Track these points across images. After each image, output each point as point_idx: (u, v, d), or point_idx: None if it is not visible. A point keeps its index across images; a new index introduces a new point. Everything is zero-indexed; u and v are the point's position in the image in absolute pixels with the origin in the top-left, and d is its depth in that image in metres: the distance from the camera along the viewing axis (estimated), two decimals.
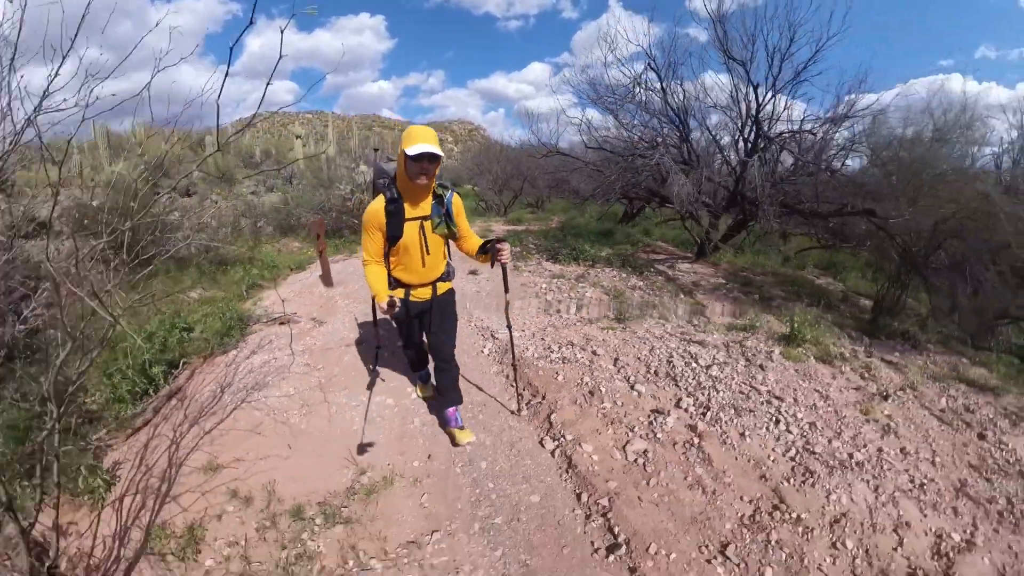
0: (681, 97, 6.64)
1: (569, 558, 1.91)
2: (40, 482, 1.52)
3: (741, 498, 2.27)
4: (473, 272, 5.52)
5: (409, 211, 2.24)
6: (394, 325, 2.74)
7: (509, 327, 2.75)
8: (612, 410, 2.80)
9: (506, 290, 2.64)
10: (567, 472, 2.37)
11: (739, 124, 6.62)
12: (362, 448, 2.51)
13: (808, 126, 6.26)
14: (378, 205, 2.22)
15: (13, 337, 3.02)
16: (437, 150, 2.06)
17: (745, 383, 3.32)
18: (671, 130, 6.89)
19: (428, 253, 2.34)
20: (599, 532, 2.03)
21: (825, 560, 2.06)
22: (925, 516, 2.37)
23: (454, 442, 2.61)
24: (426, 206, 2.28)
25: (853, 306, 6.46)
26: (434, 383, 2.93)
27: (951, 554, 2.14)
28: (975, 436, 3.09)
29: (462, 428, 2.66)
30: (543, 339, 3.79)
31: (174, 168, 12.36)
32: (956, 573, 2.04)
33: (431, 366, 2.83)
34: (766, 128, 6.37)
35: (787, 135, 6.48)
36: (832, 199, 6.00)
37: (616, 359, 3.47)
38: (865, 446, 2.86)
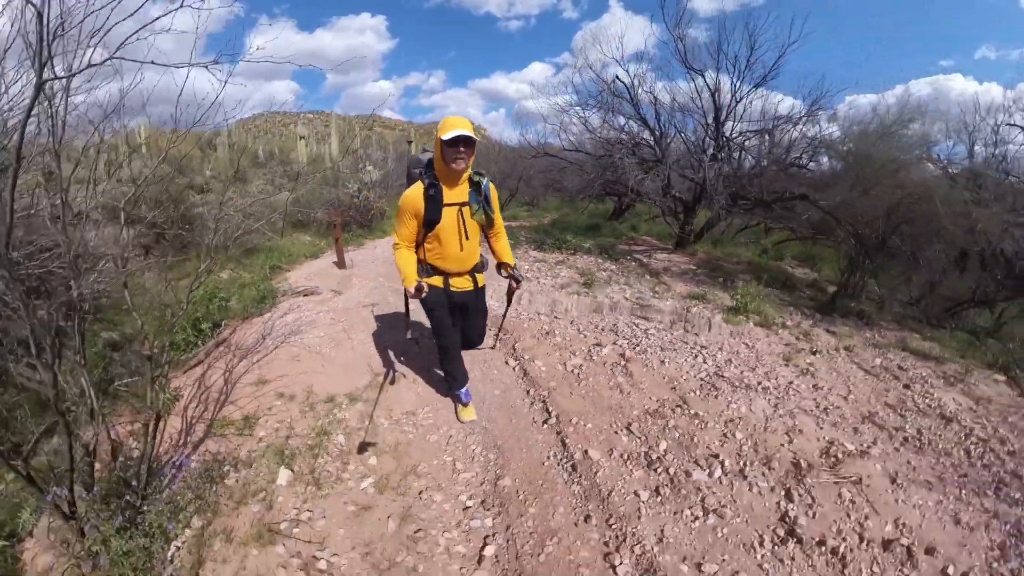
0: (653, 102, 7.38)
1: (516, 425, 2.73)
2: (152, 381, 1.93)
3: (650, 398, 2.96)
4: None
5: (448, 196, 2.25)
6: (421, 312, 2.73)
7: (503, 317, 3.27)
8: (562, 342, 3.62)
9: (508, 305, 2.98)
10: (522, 378, 3.20)
11: (705, 126, 7.33)
12: (363, 447, 2.52)
13: (766, 127, 7.01)
14: (416, 191, 2.24)
15: (74, 301, 3.75)
16: (471, 133, 2.07)
17: (679, 338, 3.93)
18: (643, 132, 7.59)
19: (467, 239, 2.34)
20: (539, 411, 2.84)
21: (715, 443, 2.47)
22: (821, 429, 2.59)
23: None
24: (463, 192, 2.29)
25: (819, 291, 7.06)
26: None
27: (840, 455, 2.33)
28: (900, 386, 3.23)
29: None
30: (516, 308, 4.56)
31: (187, 167, 13.22)
32: (842, 469, 2.24)
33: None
34: (727, 131, 7.12)
35: (748, 134, 7.23)
36: (780, 190, 6.68)
37: (572, 321, 4.23)
38: (776, 379, 3.20)
